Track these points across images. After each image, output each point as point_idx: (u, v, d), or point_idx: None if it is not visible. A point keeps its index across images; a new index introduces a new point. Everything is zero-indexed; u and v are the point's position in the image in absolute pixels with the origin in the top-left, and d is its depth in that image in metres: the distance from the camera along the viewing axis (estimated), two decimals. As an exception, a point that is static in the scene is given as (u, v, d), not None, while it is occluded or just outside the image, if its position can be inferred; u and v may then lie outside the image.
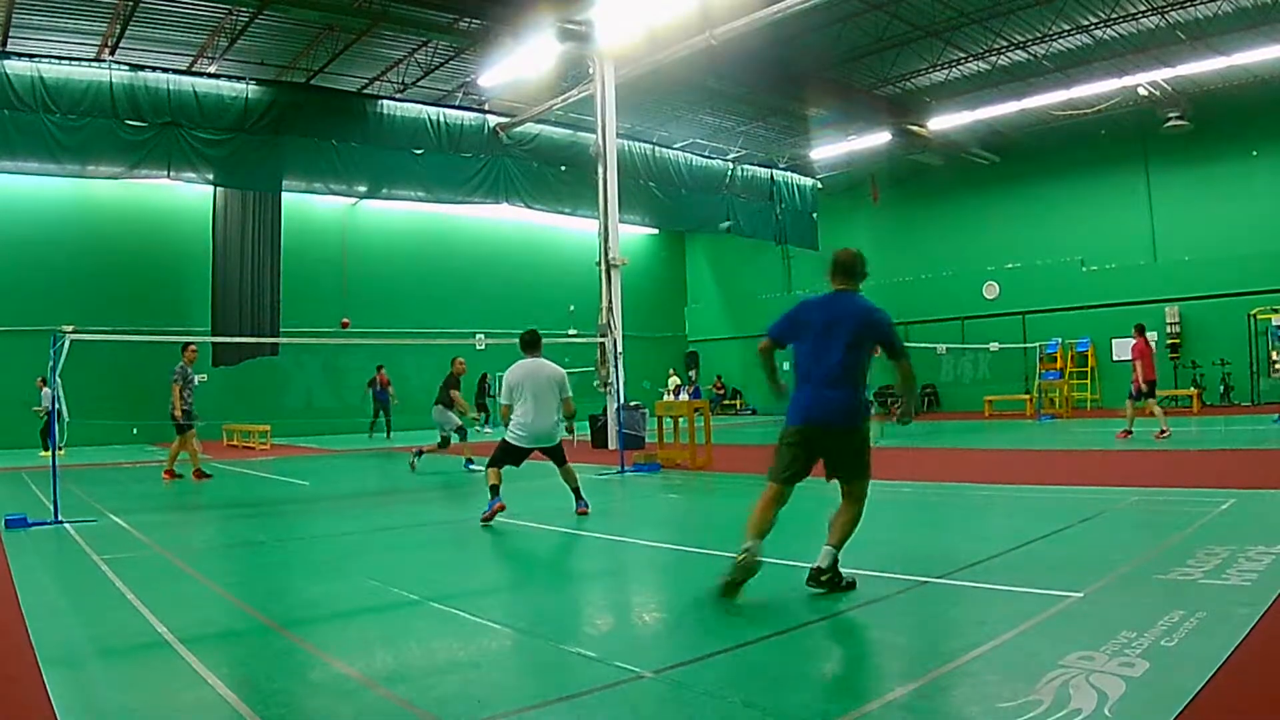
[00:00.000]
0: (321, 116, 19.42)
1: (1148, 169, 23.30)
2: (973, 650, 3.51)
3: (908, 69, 20.78)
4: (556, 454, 7.92)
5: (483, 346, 18.18)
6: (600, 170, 16.42)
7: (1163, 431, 13.70)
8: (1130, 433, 14.09)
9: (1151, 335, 22.61)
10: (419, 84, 20.47)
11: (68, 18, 16.30)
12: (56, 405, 9.05)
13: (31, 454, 17.18)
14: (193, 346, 12.19)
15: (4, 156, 16.55)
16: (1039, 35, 18.72)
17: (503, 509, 7.41)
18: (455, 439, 13.37)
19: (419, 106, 20.94)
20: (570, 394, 7.93)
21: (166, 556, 6.51)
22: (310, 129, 19.22)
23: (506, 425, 7.79)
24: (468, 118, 21.63)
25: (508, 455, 7.74)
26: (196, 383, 12.28)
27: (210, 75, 18.47)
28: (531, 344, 8.13)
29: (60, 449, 17.01)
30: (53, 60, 16.89)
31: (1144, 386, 14.18)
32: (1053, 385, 22.69)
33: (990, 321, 25.28)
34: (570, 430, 9.11)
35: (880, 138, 23.56)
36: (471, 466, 12.91)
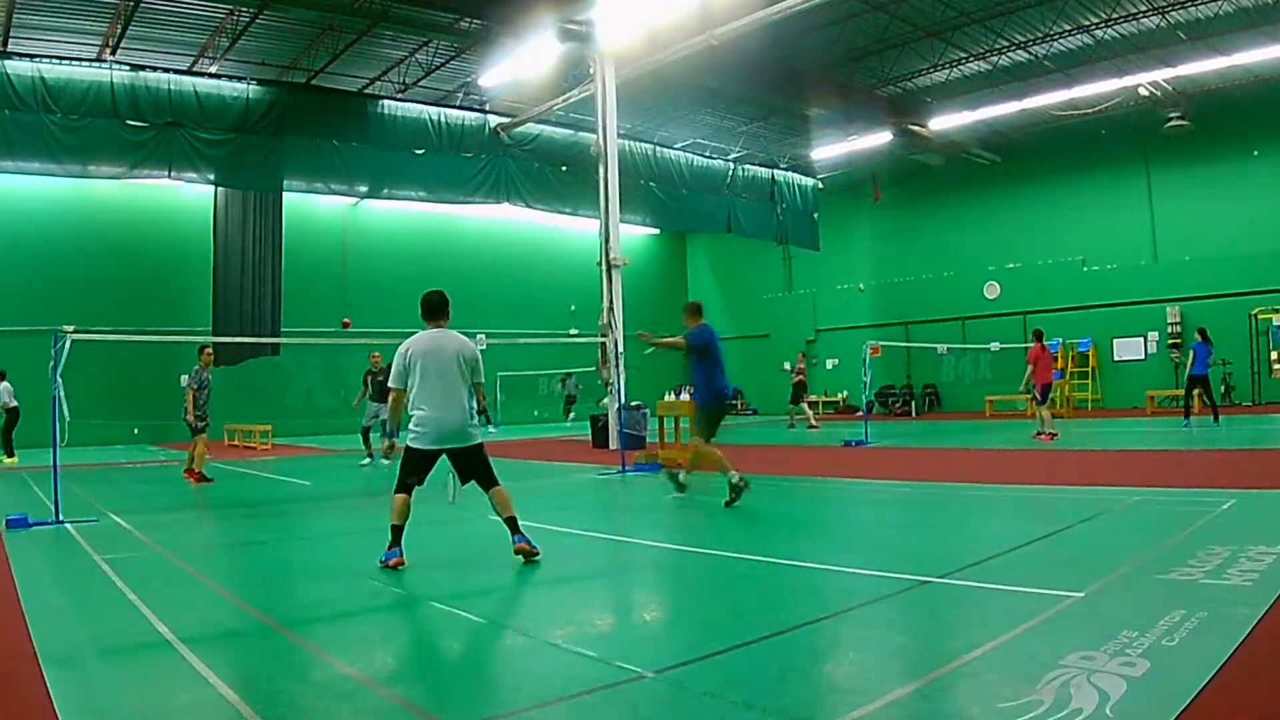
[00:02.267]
0: (322, 116, 19.44)
1: (1148, 169, 23.29)
2: (973, 650, 3.51)
3: (908, 69, 20.78)
4: (476, 464, 5.86)
5: (484, 346, 18.12)
6: (601, 170, 16.44)
7: (1044, 434, 14.53)
8: (1049, 434, 14.64)
9: (1152, 335, 22.77)
10: (420, 84, 20.47)
11: (69, 18, 16.32)
12: (57, 405, 9.03)
13: (33, 454, 17.17)
14: (208, 350, 12.11)
15: (5, 156, 16.56)
16: (1040, 35, 18.71)
17: (401, 565, 5.62)
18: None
19: (420, 106, 20.95)
20: (484, 378, 6.09)
21: (167, 556, 6.51)
22: (311, 129, 19.24)
23: (394, 420, 5.98)
24: (469, 118, 21.64)
25: (411, 468, 5.78)
26: (207, 383, 12.21)
27: (211, 75, 18.48)
28: (436, 309, 6.10)
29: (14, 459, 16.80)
30: (54, 60, 16.91)
31: (1038, 392, 15.02)
32: (1054, 385, 22.67)
33: (991, 321, 25.27)
34: (489, 422, 8.21)
35: (881, 138, 23.56)
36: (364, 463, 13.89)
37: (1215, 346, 21.38)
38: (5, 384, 17.10)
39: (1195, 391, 15.96)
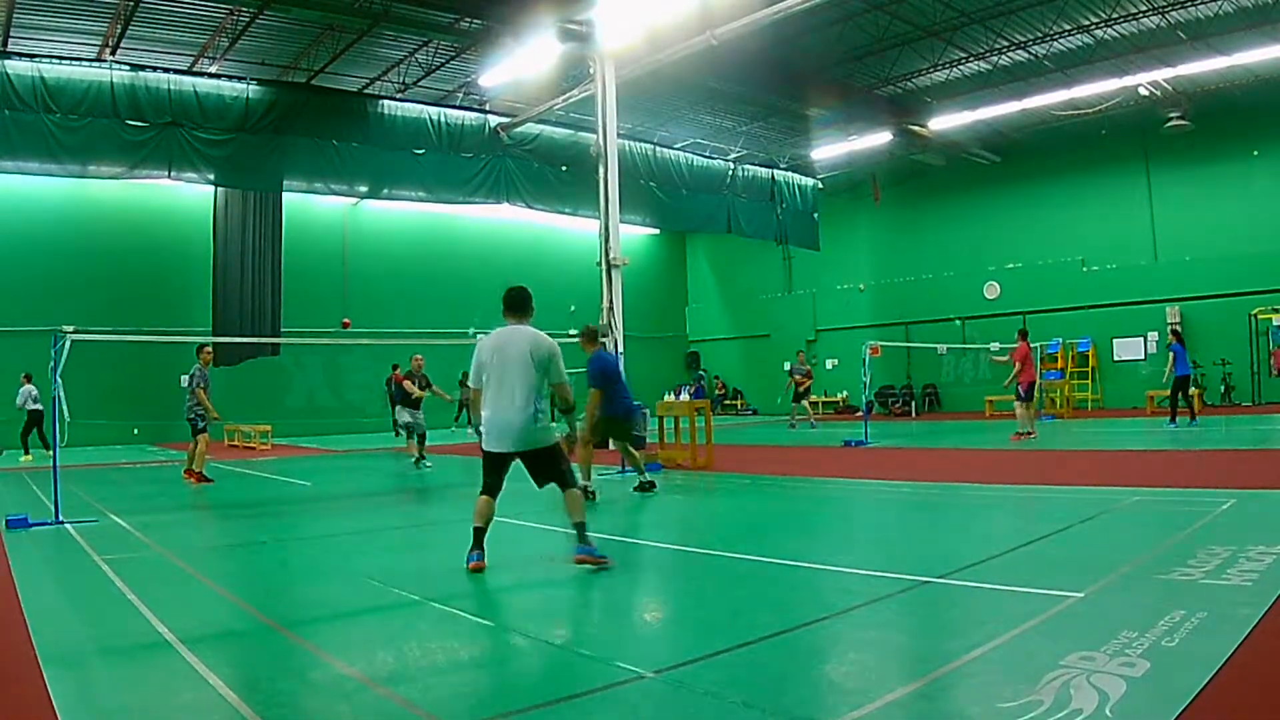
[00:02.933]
0: (322, 116, 19.43)
1: (1148, 169, 23.29)
2: (973, 650, 3.51)
3: (908, 69, 20.78)
4: (544, 467, 5.63)
5: (484, 347, 18.16)
6: (601, 170, 16.43)
7: (1022, 434, 14.61)
8: (1025, 434, 14.70)
9: (1152, 335, 22.77)
10: (420, 84, 20.47)
11: (68, 18, 16.31)
12: (57, 405, 9.03)
13: (33, 455, 17.17)
14: (207, 349, 12.33)
15: (5, 156, 16.55)
16: (1040, 35, 18.71)
17: (481, 569, 5.49)
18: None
19: (420, 106, 20.94)
20: (565, 378, 5.75)
21: (167, 557, 6.51)
22: (311, 129, 19.22)
23: (476, 419, 5.77)
24: (469, 118, 21.64)
25: (485, 469, 5.65)
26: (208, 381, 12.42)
27: (211, 75, 18.47)
28: (516, 305, 5.76)
29: (30, 455, 17.20)
30: (53, 60, 16.90)
31: (1021, 391, 15.11)
32: (1054, 385, 22.68)
33: (991, 321, 25.28)
34: (571, 430, 8.16)
35: (881, 138, 23.55)
36: (426, 464, 13.74)
37: (1215, 346, 21.50)
38: (30, 387, 17.62)
39: (1179, 393, 16.00)
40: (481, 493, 5.63)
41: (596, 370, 9.16)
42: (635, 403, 15.65)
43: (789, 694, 3.19)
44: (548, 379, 5.57)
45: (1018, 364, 15.15)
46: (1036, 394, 22.58)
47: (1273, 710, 2.93)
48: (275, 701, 3.25)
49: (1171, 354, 15.86)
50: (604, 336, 16.13)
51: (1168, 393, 20.68)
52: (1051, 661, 3.28)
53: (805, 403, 21.16)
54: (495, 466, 5.59)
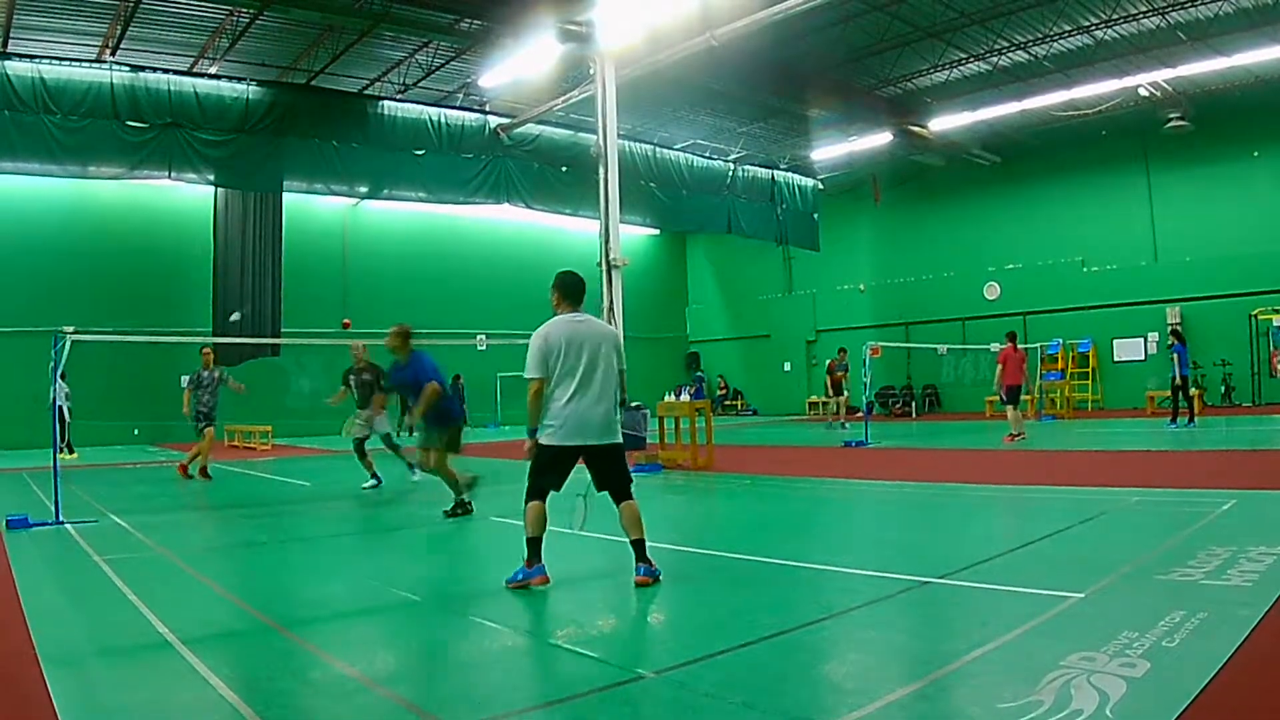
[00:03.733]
0: (322, 117, 19.43)
1: (1148, 169, 23.29)
2: (973, 651, 3.51)
3: (909, 70, 20.78)
4: (616, 468, 5.16)
5: (484, 347, 18.17)
6: (601, 171, 16.41)
7: (1015, 435, 14.53)
8: (1014, 435, 14.67)
9: (1152, 335, 22.76)
10: (420, 85, 20.47)
11: (68, 19, 16.32)
12: (57, 406, 9.04)
13: (33, 454, 17.17)
14: (206, 350, 12.50)
15: (5, 157, 16.55)
16: (1040, 36, 18.71)
17: (546, 583, 5.02)
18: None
19: (420, 107, 20.95)
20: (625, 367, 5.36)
21: (167, 557, 6.51)
22: (311, 130, 19.23)
23: (533, 417, 5.12)
24: (469, 118, 21.64)
25: (544, 469, 5.11)
26: (207, 381, 12.44)
27: (211, 76, 18.47)
28: (578, 292, 5.48)
29: (73, 454, 17.54)
30: (53, 61, 16.90)
31: (1002, 394, 15.16)
32: (1054, 386, 22.68)
33: (991, 322, 25.27)
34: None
35: (881, 138, 23.55)
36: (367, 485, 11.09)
37: (1216, 347, 21.50)
38: (61, 384, 17.65)
39: (1179, 393, 16.02)
40: (533, 498, 5.09)
41: (431, 365, 8.47)
42: (634, 403, 15.70)
43: (789, 694, 3.19)
44: (619, 365, 5.27)
45: (1000, 366, 15.32)
46: (1036, 394, 22.74)
47: (1273, 711, 2.93)
48: (275, 701, 3.25)
49: (1174, 355, 15.83)
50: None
51: (1168, 393, 20.70)
52: (1052, 662, 3.28)
53: (836, 401, 21.09)
54: (561, 464, 5.07)
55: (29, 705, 3.24)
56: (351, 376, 11.48)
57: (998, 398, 15.60)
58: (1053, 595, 4.28)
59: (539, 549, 5.05)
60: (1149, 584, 4.49)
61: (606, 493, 5.18)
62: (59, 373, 17.57)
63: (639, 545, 5.08)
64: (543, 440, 5.06)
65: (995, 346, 22.85)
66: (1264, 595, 4.11)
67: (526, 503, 5.10)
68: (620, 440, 5.21)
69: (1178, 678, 3.08)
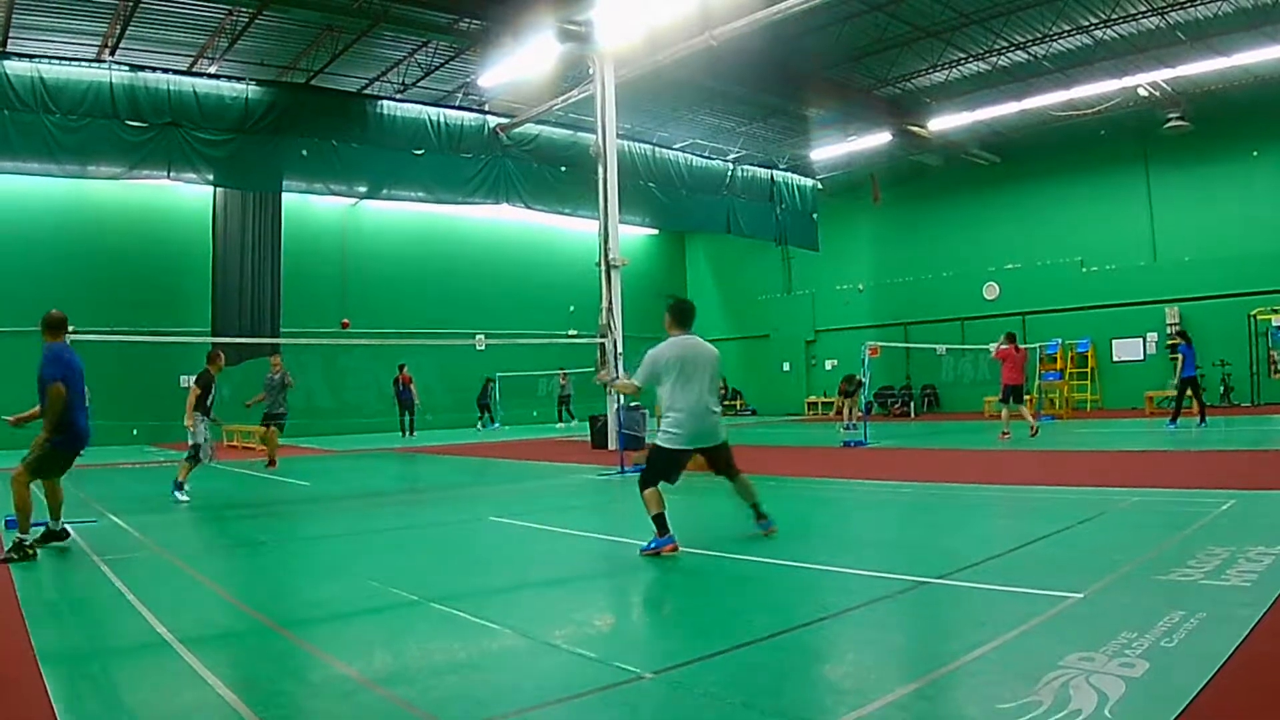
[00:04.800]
0: (322, 117, 19.43)
1: (1148, 169, 23.29)
2: (973, 651, 3.51)
3: (908, 69, 20.79)
4: (725, 457, 6.29)
5: (483, 347, 18.17)
6: (600, 171, 16.44)
7: (1005, 434, 14.72)
8: (1004, 434, 14.85)
9: (1151, 335, 22.77)
10: (419, 84, 20.47)
11: (68, 18, 16.31)
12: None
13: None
14: (274, 358, 13.78)
15: (4, 156, 16.55)
16: (1039, 36, 18.72)
17: (676, 550, 5.87)
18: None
19: (419, 107, 20.94)
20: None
21: (166, 557, 6.51)
22: (310, 129, 19.23)
23: (610, 385, 6.56)
24: (468, 118, 21.64)
25: (663, 467, 6.12)
26: (274, 385, 13.78)
27: (210, 76, 18.47)
28: (689, 318, 6.73)
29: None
30: (53, 60, 16.89)
31: (1003, 392, 15.17)
32: (1053, 386, 22.69)
33: (990, 322, 25.27)
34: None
35: (880, 138, 23.56)
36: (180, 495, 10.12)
37: (1215, 347, 21.49)
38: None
39: (1186, 393, 15.99)
40: (650, 485, 6.03)
41: (68, 361, 7.22)
42: (634, 403, 15.71)
43: (788, 695, 3.19)
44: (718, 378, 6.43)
45: (1004, 364, 15.31)
46: (1036, 394, 22.74)
47: (1273, 710, 2.93)
48: (274, 702, 3.25)
49: (1180, 355, 15.79)
50: (603, 336, 16.16)
51: (1168, 393, 20.67)
52: (1051, 662, 3.28)
53: (846, 403, 20.62)
54: (676, 464, 6.16)
55: (28, 705, 3.24)
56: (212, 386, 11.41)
57: (1002, 397, 15.44)
58: (1052, 595, 4.28)
59: (665, 522, 5.91)
60: (1148, 584, 4.49)
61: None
62: None
63: (756, 508, 6.36)
64: (665, 444, 6.08)
65: (994, 346, 22.93)
66: (1263, 595, 4.11)
67: (644, 489, 6.01)
68: (726, 438, 6.31)
69: (1177, 678, 3.09)
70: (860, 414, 20.19)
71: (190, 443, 10.27)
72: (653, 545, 5.88)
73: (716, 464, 6.31)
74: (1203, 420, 15.94)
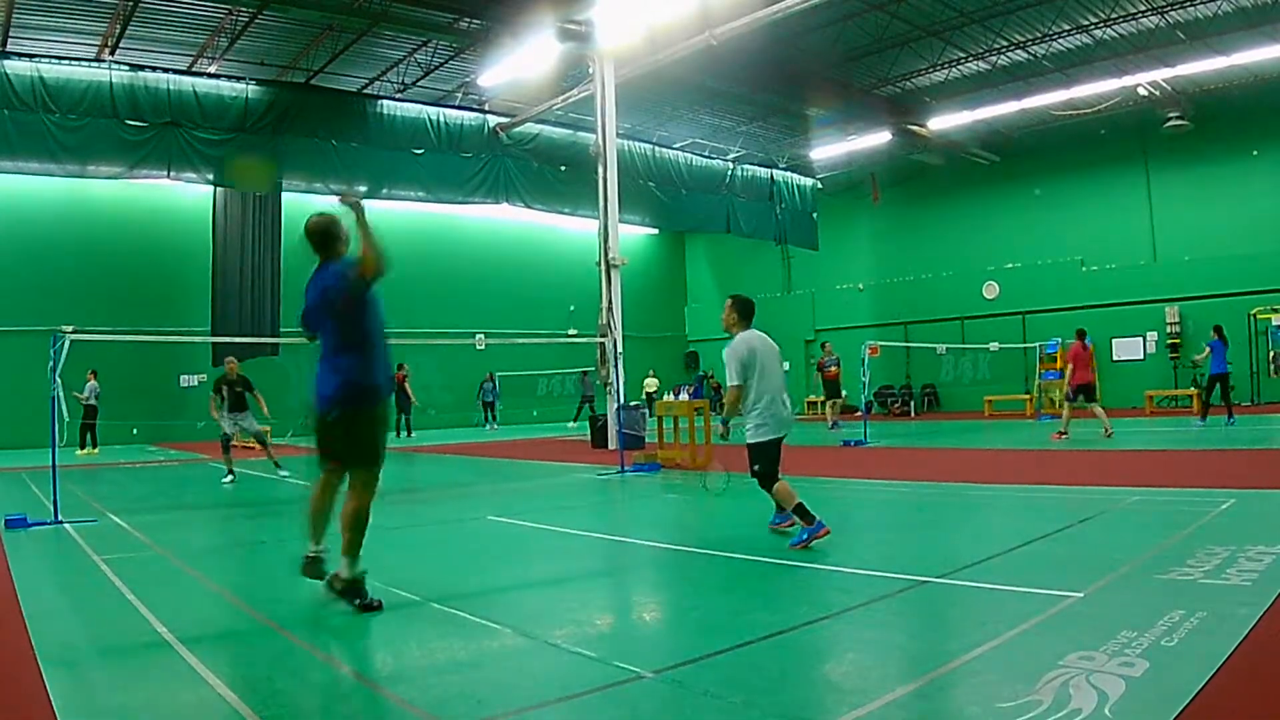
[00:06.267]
0: (321, 116, 19.42)
1: (1148, 169, 23.30)
2: (972, 650, 3.51)
3: (908, 69, 20.79)
4: (779, 453, 6.35)
5: (483, 346, 18.19)
6: (600, 170, 16.43)
7: (1061, 433, 14.19)
8: (1064, 434, 14.38)
9: (1151, 335, 22.78)
10: (419, 84, 20.47)
11: (68, 18, 16.31)
12: (56, 405, 9.02)
13: (33, 454, 17.17)
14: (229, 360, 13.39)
15: (4, 156, 16.55)
16: (1039, 35, 18.72)
17: (828, 534, 5.91)
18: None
19: (419, 106, 20.94)
20: None
21: (166, 556, 6.51)
22: (310, 129, 19.22)
23: (731, 414, 6.39)
24: (468, 118, 21.63)
25: (772, 457, 6.19)
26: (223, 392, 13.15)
27: (210, 75, 18.47)
28: (752, 313, 6.87)
29: (95, 449, 18.01)
30: (53, 60, 16.90)
31: (1069, 391, 14.52)
32: (1052, 385, 22.68)
33: (990, 321, 25.28)
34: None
35: (880, 138, 23.56)
36: (282, 472, 12.56)
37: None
38: (94, 383, 18.59)
39: (1212, 390, 15.85)
40: (773, 481, 6.09)
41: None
42: (633, 403, 15.71)
43: (788, 694, 3.19)
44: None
45: (1068, 364, 14.60)
46: (1035, 394, 22.72)
47: (1273, 710, 2.93)
48: (274, 701, 3.25)
49: (1208, 349, 15.59)
50: (603, 336, 16.16)
51: (1168, 393, 20.69)
52: (1051, 661, 3.28)
53: (833, 403, 20.22)
54: (778, 452, 6.24)
55: (28, 705, 3.24)
56: (224, 387, 12.55)
57: (1065, 396, 14.70)
58: (1051, 595, 4.28)
59: (806, 510, 5.92)
60: (1148, 583, 4.49)
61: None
62: (89, 371, 18.11)
63: (799, 509, 6.12)
64: (763, 439, 6.14)
65: (995, 346, 22.94)
66: (1263, 594, 4.11)
67: (770, 488, 6.10)
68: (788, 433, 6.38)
69: (1176, 677, 3.09)
70: (837, 416, 19.98)
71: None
72: (804, 536, 5.86)
73: (779, 460, 6.32)
74: (1230, 418, 15.79)
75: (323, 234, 5.26)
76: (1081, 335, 14.79)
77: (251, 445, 19.74)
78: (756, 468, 6.15)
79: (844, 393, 20.92)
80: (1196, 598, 4.10)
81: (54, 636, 4.21)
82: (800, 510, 5.91)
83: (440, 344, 22.22)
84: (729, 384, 6.34)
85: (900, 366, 27.02)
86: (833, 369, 20.23)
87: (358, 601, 4.54)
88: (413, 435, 21.99)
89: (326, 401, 4.66)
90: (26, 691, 3.38)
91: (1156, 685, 3.02)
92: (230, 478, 12.10)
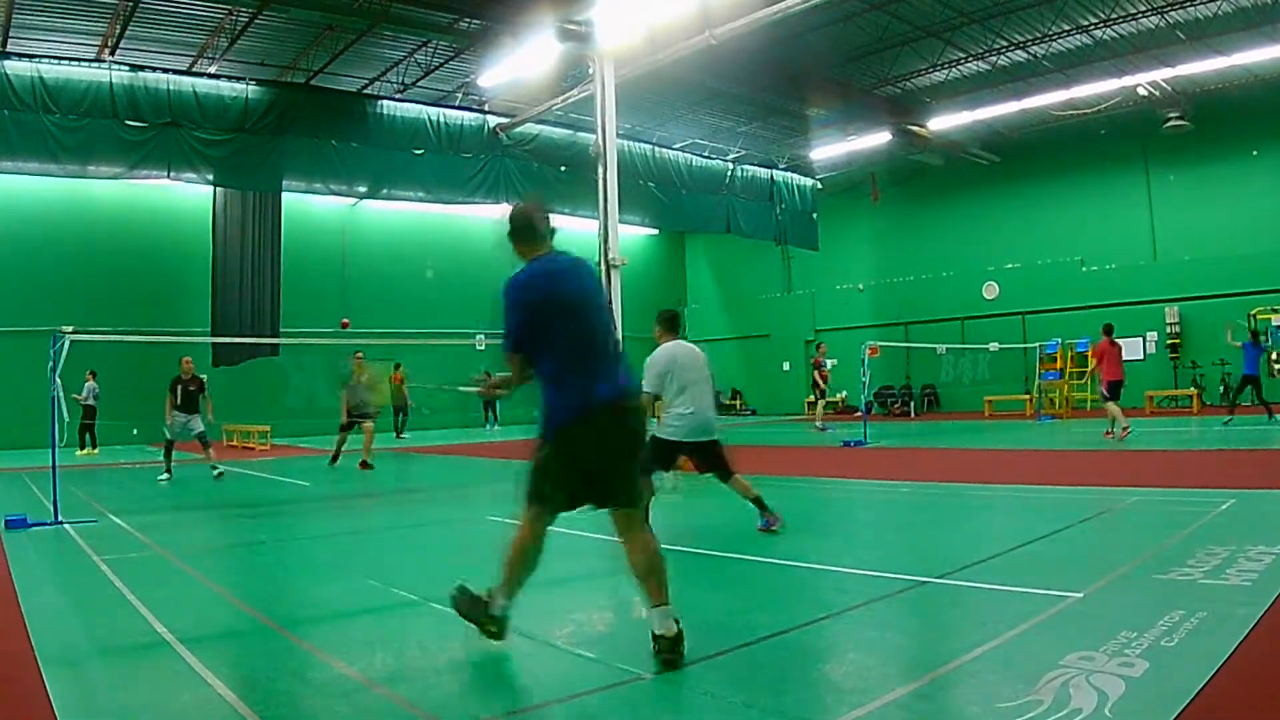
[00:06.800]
0: (321, 117, 19.41)
1: (1148, 169, 23.29)
2: (973, 650, 3.51)
3: (908, 69, 20.78)
4: (717, 456, 6.67)
5: (483, 347, 18.16)
6: (600, 170, 16.39)
7: (1111, 433, 13.81)
8: (1126, 430, 13.96)
9: (1151, 335, 22.77)
10: (419, 84, 20.46)
11: (68, 18, 16.30)
12: (56, 405, 9.02)
13: (32, 454, 17.17)
14: (357, 354, 13.95)
15: (4, 156, 16.54)
16: (1039, 35, 18.72)
17: (763, 510, 6.53)
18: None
19: (419, 107, 20.94)
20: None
21: (166, 557, 6.51)
22: (310, 129, 19.21)
23: (656, 417, 6.69)
24: (468, 118, 21.63)
25: (662, 457, 6.54)
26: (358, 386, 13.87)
27: (210, 75, 18.46)
28: (676, 324, 6.94)
29: (95, 450, 18.12)
30: (53, 60, 16.89)
31: (1104, 389, 14.24)
32: (1052, 385, 22.69)
33: (990, 321, 25.27)
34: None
35: (880, 138, 23.55)
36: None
37: (1215, 347, 21.44)
38: (93, 383, 18.72)
39: (1246, 389, 15.91)
40: (651, 471, 6.26)
41: None
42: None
43: (789, 694, 3.19)
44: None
45: (1095, 361, 14.40)
46: (1035, 394, 22.71)
47: (1273, 710, 2.93)
48: (274, 701, 3.25)
49: (1244, 347, 15.74)
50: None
51: (1168, 393, 20.68)
52: (1051, 661, 3.28)
53: (821, 402, 20.58)
54: (673, 455, 6.59)
55: (28, 706, 3.24)
56: (179, 386, 12.56)
57: (1101, 395, 14.38)
58: (1051, 595, 4.28)
59: (647, 509, 5.81)
60: (1147, 583, 4.49)
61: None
62: (88, 371, 18.17)
63: (758, 502, 6.61)
64: (663, 436, 6.42)
65: (995, 346, 22.91)
66: (1263, 594, 4.11)
67: (646, 475, 6.13)
68: (717, 436, 6.65)
69: (1176, 677, 3.09)
70: (848, 409, 19.97)
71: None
72: (763, 523, 6.48)
73: (709, 462, 6.65)
74: (1271, 416, 15.81)
75: (534, 221, 4.07)
76: (1109, 331, 14.60)
77: (251, 445, 19.84)
78: (647, 456, 6.22)
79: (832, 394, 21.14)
80: (1196, 598, 4.10)
81: (54, 636, 4.21)
82: (758, 501, 6.56)
83: (440, 344, 22.20)
84: (644, 390, 6.38)
85: (900, 367, 27.02)
86: (826, 369, 20.42)
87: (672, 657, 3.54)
88: (403, 436, 21.93)
89: (599, 415, 3.71)
90: (26, 691, 3.38)
91: (1156, 685, 3.02)
92: (167, 476, 12.28)
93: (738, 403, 31.43)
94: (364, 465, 13.45)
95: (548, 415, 3.80)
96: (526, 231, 4.00)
